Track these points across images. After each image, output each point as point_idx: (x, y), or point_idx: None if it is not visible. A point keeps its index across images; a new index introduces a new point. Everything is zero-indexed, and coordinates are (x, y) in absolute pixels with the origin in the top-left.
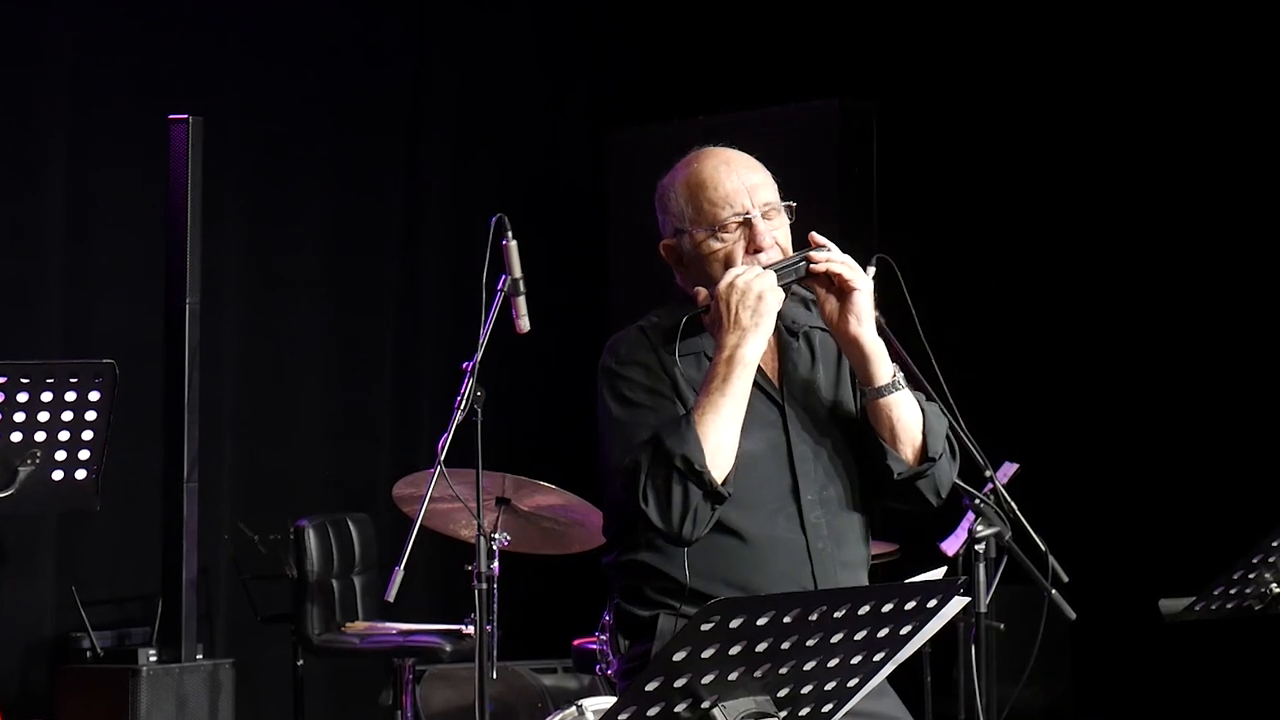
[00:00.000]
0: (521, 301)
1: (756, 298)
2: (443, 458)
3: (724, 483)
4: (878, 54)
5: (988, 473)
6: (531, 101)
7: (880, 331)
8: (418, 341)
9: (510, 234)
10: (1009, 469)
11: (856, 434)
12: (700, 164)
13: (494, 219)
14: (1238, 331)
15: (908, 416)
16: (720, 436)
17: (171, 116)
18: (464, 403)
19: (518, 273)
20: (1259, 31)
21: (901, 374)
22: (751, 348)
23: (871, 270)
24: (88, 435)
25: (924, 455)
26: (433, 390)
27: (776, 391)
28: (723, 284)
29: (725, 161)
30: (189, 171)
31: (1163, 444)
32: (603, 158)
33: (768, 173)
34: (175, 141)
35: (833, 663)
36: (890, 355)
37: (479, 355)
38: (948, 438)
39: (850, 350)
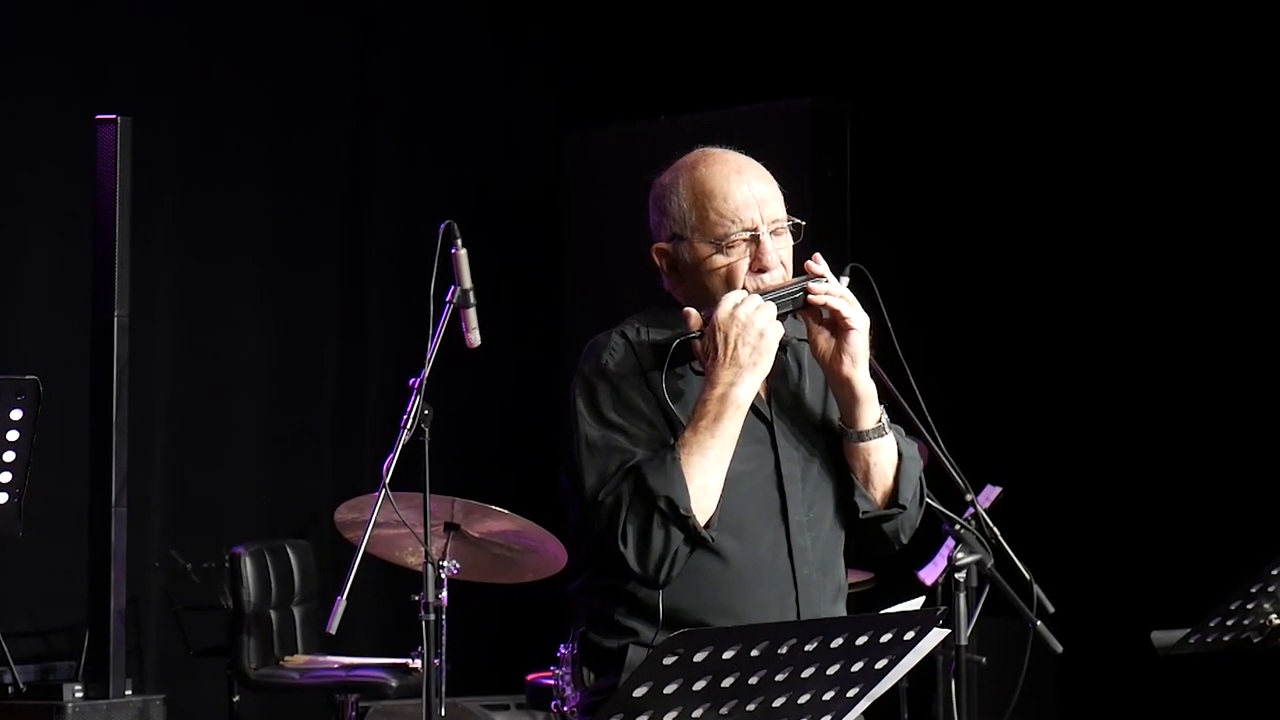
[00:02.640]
0: (472, 314)
1: (758, 334)
2: (388, 480)
3: (707, 525)
4: (852, 50)
5: (968, 496)
6: (482, 100)
7: (872, 372)
8: (361, 356)
9: (459, 241)
10: (991, 492)
11: (841, 452)
12: (709, 168)
13: (442, 225)
14: (1232, 344)
15: (885, 462)
16: (706, 479)
17: (99, 116)
18: (410, 422)
19: (468, 283)
20: (1243, 33)
21: (886, 417)
22: (747, 388)
23: (845, 280)
24: (9, 456)
25: (892, 500)
26: (377, 408)
27: (765, 407)
28: (722, 313)
29: (736, 170)
30: (118, 175)
31: (1155, 466)
32: (559, 160)
33: (776, 184)
34: (103, 143)
35: (804, 699)
36: (879, 393)
37: (426, 371)
38: (920, 482)
39: (839, 390)
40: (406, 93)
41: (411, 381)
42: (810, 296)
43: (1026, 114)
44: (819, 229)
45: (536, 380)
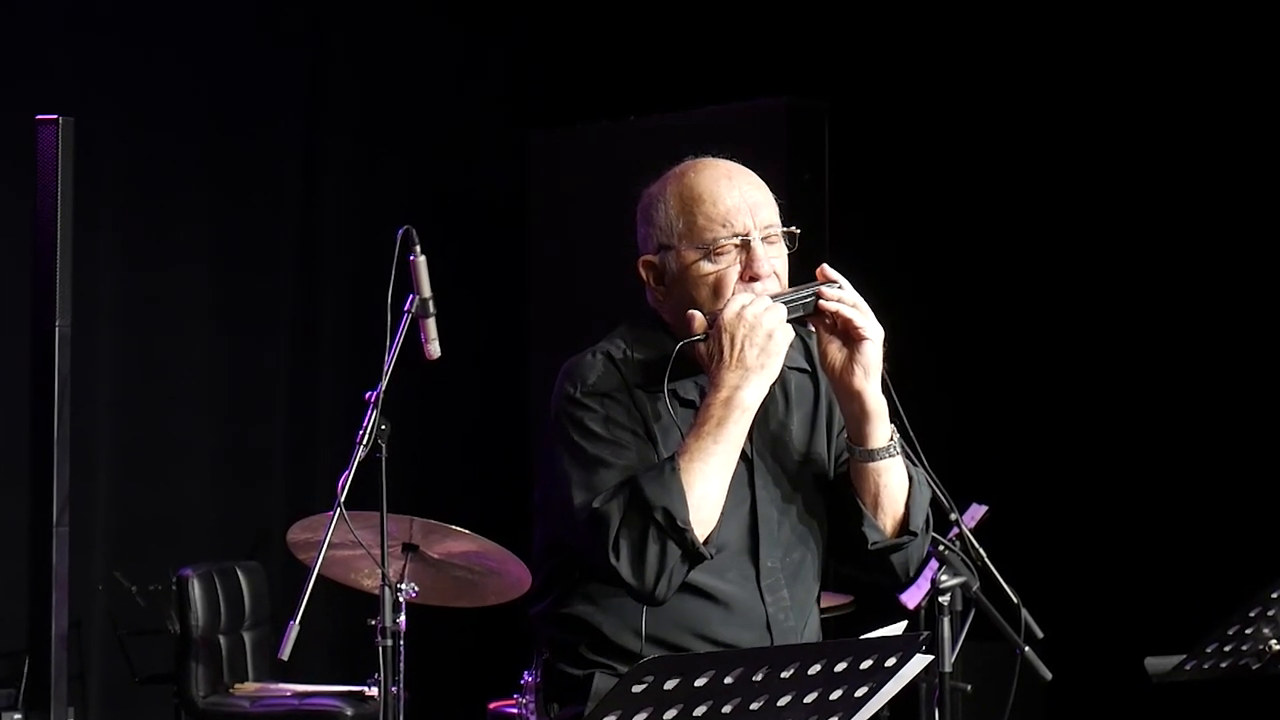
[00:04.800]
0: (431, 324)
1: (766, 335)
2: (343, 499)
3: (706, 541)
4: (829, 47)
5: (953, 516)
6: (441, 99)
7: (883, 387)
8: (315, 369)
9: (418, 248)
10: (977, 512)
11: (826, 493)
12: (697, 174)
13: (400, 231)
14: (1225, 356)
15: (895, 484)
16: (707, 488)
17: (39, 117)
18: (366, 437)
19: (427, 292)
20: (1232, 32)
21: (898, 436)
22: (754, 391)
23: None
24: None
25: (904, 527)
26: (331, 423)
27: (746, 443)
28: (728, 313)
29: (726, 175)
30: (59, 179)
31: (1149, 484)
32: (522, 162)
33: (770, 191)
34: (43, 145)
35: None
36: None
37: (383, 384)
38: (929, 509)
39: (849, 405)
40: (361, 91)
41: (368, 395)
42: (822, 303)
43: (1014, 113)
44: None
45: (499, 393)
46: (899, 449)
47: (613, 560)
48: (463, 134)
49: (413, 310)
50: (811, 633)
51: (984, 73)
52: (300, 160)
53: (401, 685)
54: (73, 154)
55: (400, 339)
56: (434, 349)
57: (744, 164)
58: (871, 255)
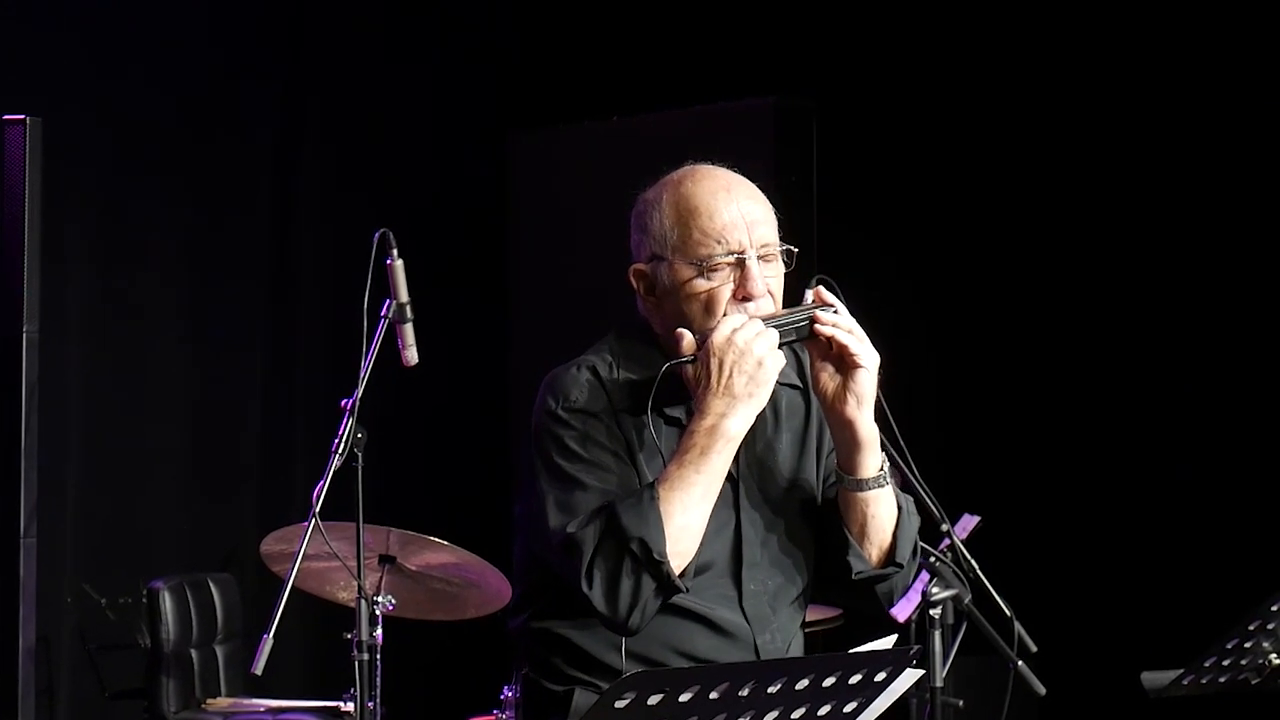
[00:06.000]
0: (409, 330)
1: (756, 363)
2: (318, 509)
3: (682, 574)
4: (817, 45)
5: (944, 527)
6: (419, 99)
7: (877, 412)
8: (289, 376)
9: (395, 251)
10: (969, 522)
11: (813, 517)
12: (695, 185)
13: (376, 235)
14: (1222, 367)
15: (884, 515)
16: (687, 519)
17: (6, 117)
18: (342, 446)
19: (404, 297)
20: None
21: (889, 464)
22: (740, 420)
23: (809, 294)
24: None
25: (890, 559)
26: (306, 432)
27: (732, 463)
28: (718, 336)
29: (725, 187)
30: (26, 181)
31: (1145, 495)
32: (503, 163)
33: (770, 206)
34: (10, 145)
35: None
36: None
37: (359, 392)
38: (917, 539)
39: (840, 432)
40: (336, 90)
41: (344, 403)
42: (817, 326)
43: (1005, 115)
44: (781, 238)
45: (478, 401)
46: (889, 479)
47: (585, 589)
48: (440, 134)
49: (390, 316)
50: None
51: (975, 73)
52: (274, 161)
53: (378, 701)
54: (40, 155)
55: (377, 345)
56: (411, 355)
57: (729, 166)
58: (859, 260)
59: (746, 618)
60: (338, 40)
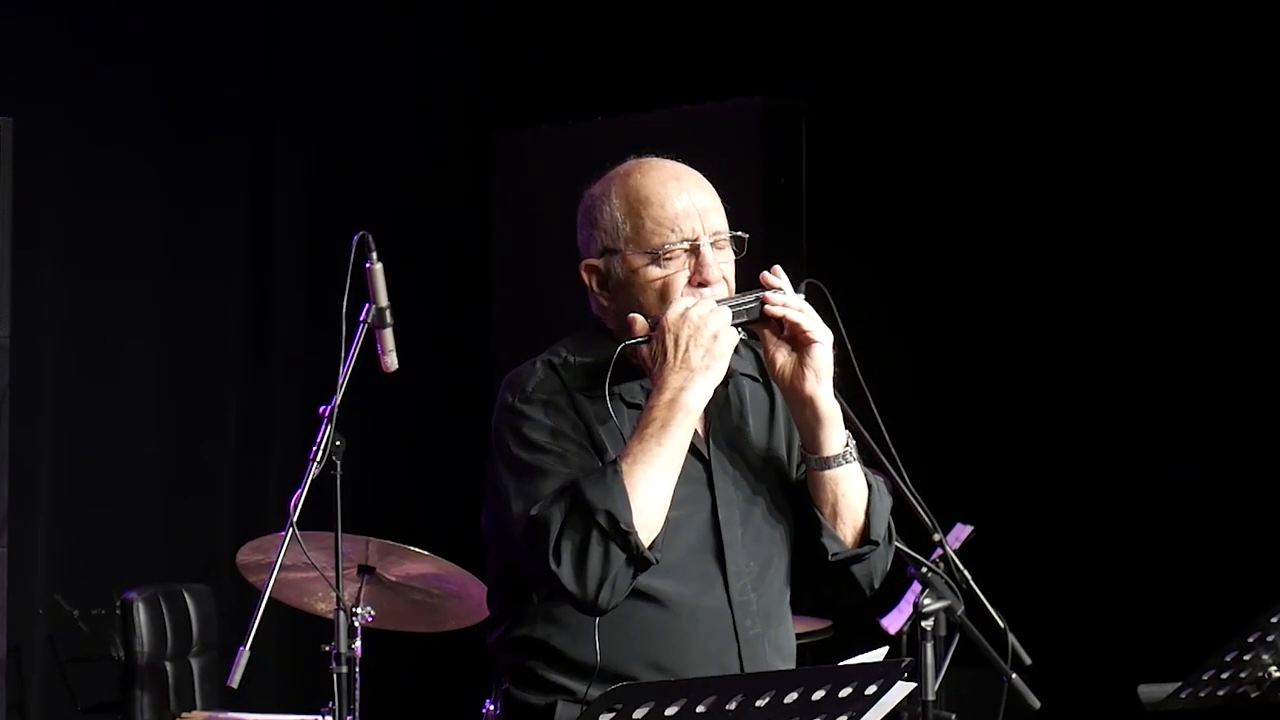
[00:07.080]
0: (388, 334)
1: (711, 336)
2: (295, 519)
3: (651, 546)
4: (808, 45)
5: (936, 536)
6: (399, 98)
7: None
8: (266, 382)
9: (375, 255)
10: (961, 532)
11: (789, 500)
12: (644, 176)
13: (355, 238)
14: (1219, 375)
15: (854, 493)
16: (651, 491)
17: None
18: (320, 454)
19: (384, 301)
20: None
21: (854, 442)
22: (698, 392)
23: (800, 297)
24: None
25: (865, 537)
26: (283, 440)
27: (703, 445)
28: (672, 313)
29: (674, 176)
30: None
31: (1141, 505)
32: (485, 164)
33: (717, 194)
34: None
35: None
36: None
37: (338, 398)
38: (890, 519)
39: (800, 411)
40: (314, 89)
41: (322, 409)
42: (767, 308)
43: (998, 117)
44: (770, 241)
45: (460, 407)
46: (855, 456)
47: (553, 566)
48: (421, 134)
49: (369, 320)
50: (781, 641)
51: (967, 74)
52: (250, 163)
53: (357, 714)
54: (11, 155)
55: (356, 350)
56: (391, 360)
57: (718, 166)
58: (849, 262)
59: (730, 600)
60: (318, 39)
